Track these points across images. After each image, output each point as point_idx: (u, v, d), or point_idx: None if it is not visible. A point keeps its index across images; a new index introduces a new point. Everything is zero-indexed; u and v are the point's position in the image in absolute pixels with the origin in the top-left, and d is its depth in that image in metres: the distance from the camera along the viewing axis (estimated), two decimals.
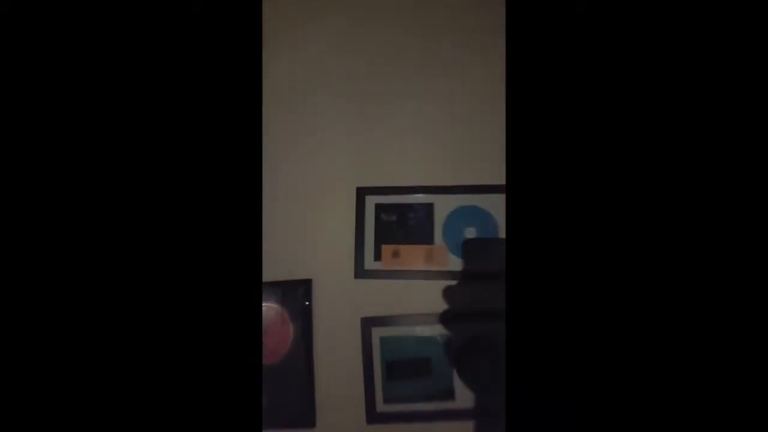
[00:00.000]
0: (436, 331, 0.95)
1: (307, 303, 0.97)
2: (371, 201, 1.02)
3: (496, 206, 0.99)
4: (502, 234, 1.02)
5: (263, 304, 0.97)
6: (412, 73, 1.07)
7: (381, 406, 0.94)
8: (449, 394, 0.94)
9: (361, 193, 1.02)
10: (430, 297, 0.97)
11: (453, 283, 0.97)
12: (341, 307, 0.98)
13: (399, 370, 0.94)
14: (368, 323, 0.96)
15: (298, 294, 0.97)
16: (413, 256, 0.98)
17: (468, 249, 0.98)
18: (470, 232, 0.99)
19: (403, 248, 0.99)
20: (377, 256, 0.99)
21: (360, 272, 0.98)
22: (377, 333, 0.95)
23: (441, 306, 0.96)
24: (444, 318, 0.95)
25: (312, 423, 0.93)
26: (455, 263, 0.98)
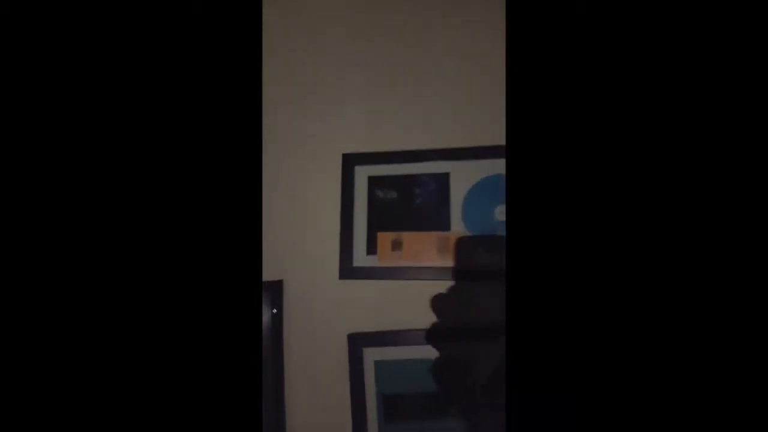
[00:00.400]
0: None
1: (275, 313, 0.70)
2: (363, 173, 0.74)
3: None
4: None
5: None
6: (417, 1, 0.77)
7: None
8: None
9: (349, 161, 0.75)
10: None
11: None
12: (321, 319, 0.71)
13: (402, 407, 0.68)
14: (358, 342, 0.69)
15: (264, 301, 0.70)
16: (421, 248, 0.70)
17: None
18: (502, 213, 0.70)
19: (408, 237, 0.71)
20: (371, 249, 0.72)
21: (347, 271, 0.71)
22: (371, 355, 0.69)
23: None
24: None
25: None
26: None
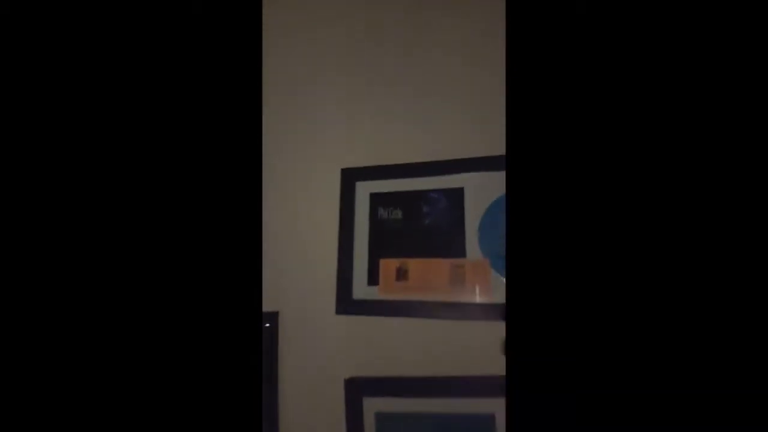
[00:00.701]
0: (473, 406, 0.55)
1: (267, 328, 0.62)
2: (364, 189, 0.65)
3: None
4: None
5: None
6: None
7: None
8: None
9: (349, 177, 0.65)
10: (461, 347, 0.57)
11: (502, 324, 0.56)
12: (315, 361, 0.62)
13: None
14: (357, 389, 0.59)
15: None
16: (431, 278, 0.59)
17: None
18: None
19: (415, 264, 0.60)
20: (373, 279, 0.62)
21: (345, 305, 0.62)
22: (372, 406, 0.58)
23: (482, 364, 0.56)
24: (486, 384, 0.55)
25: None
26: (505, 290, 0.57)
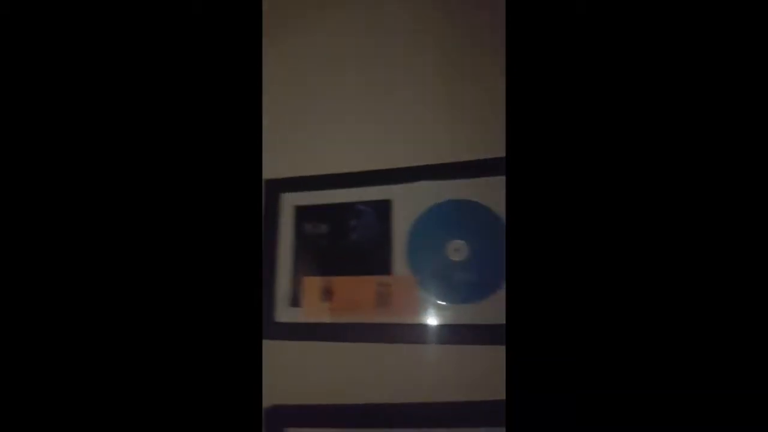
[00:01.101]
0: None
1: None
2: (289, 201, 0.60)
3: (501, 197, 0.52)
4: None
5: None
6: None
7: None
8: None
9: (273, 188, 0.61)
10: (390, 373, 0.53)
11: (436, 349, 0.52)
12: None
13: None
14: (278, 418, 0.54)
15: None
16: (357, 298, 0.55)
17: (459, 280, 0.53)
18: (458, 248, 0.54)
19: (341, 283, 0.56)
20: (296, 300, 0.57)
21: (266, 328, 0.57)
22: None
23: (414, 391, 0.52)
24: (419, 412, 0.52)
25: None
26: (439, 312, 0.54)
